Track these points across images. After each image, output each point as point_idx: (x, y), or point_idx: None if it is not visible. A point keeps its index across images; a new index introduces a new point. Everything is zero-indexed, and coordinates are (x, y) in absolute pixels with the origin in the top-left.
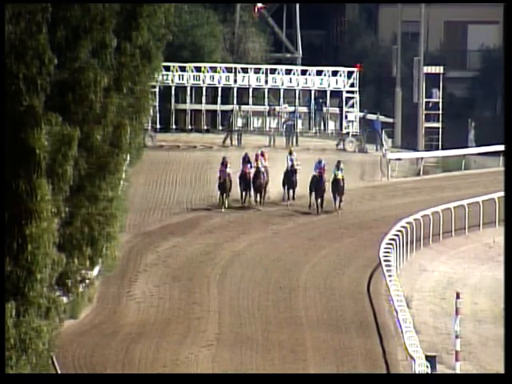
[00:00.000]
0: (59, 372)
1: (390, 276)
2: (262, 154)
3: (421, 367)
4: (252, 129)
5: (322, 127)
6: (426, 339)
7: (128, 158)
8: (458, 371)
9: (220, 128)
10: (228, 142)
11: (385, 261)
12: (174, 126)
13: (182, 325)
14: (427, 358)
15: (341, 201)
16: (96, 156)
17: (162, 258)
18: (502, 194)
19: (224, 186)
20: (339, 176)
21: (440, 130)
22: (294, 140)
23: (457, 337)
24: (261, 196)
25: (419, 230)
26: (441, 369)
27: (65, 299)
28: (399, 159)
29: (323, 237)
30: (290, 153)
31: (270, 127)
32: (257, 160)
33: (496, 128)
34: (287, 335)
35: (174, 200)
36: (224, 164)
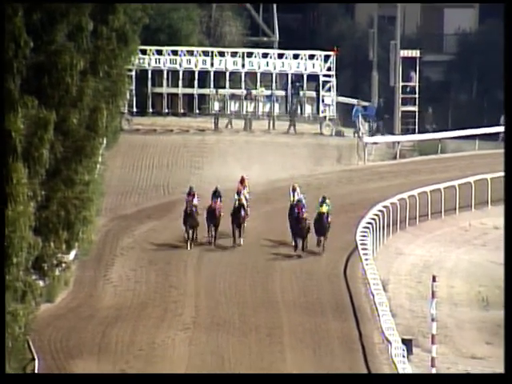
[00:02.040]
0: (35, 355)
1: (366, 259)
2: (242, 181)
3: (397, 350)
4: (229, 112)
5: (299, 111)
6: (403, 322)
7: (104, 141)
8: (434, 354)
9: (197, 112)
10: (219, 126)
11: (361, 244)
12: (150, 110)
13: (158, 308)
14: (403, 341)
15: (325, 239)
16: (72, 139)
17: (139, 242)
18: (478, 177)
19: (190, 220)
20: (323, 210)
21: (416, 113)
22: (271, 123)
23: (433, 320)
24: (239, 231)
25: (396, 214)
26: (417, 352)
27: (41, 283)
28: (376, 143)
29: None
30: (294, 189)
31: (246, 111)
32: (239, 193)
33: (472, 111)
34: (264, 318)
35: (150, 183)
36: (191, 194)
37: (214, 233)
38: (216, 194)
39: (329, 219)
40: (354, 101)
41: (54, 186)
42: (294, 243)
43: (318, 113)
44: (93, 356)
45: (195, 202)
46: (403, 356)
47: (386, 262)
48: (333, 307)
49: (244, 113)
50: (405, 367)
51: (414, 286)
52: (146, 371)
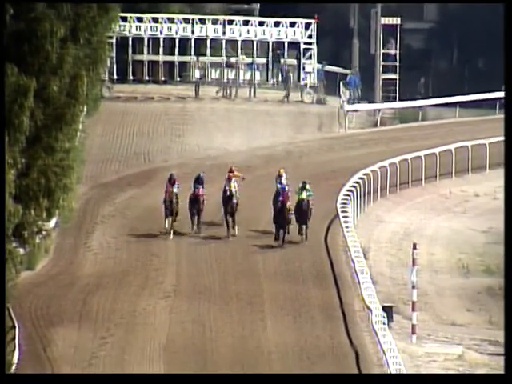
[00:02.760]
0: (15, 323)
1: (347, 227)
2: (231, 171)
3: (377, 317)
4: (210, 80)
5: (280, 79)
6: (383, 290)
7: (85, 108)
8: (414, 321)
9: (178, 79)
10: (220, 93)
11: (342, 212)
12: (131, 77)
13: (139, 276)
14: (384, 308)
15: (306, 227)
16: (53, 107)
17: (120, 210)
18: (458, 144)
19: (170, 209)
20: (303, 196)
21: (397, 81)
22: (252, 91)
23: (413, 287)
24: (233, 220)
25: (376, 182)
26: (397, 319)
27: (21, 250)
28: (356, 111)
29: None
30: (280, 175)
31: (227, 78)
32: (229, 179)
33: (452, 79)
34: (245, 286)
35: (131, 151)
36: (171, 181)
37: (197, 220)
38: (199, 181)
39: (310, 206)
40: (347, 70)
41: (34, 154)
42: (275, 233)
43: (299, 80)
44: (73, 324)
45: (175, 190)
46: (384, 323)
47: (367, 229)
48: (313, 275)
49: (225, 80)
50: (385, 334)
51: (395, 254)
52: (126, 339)
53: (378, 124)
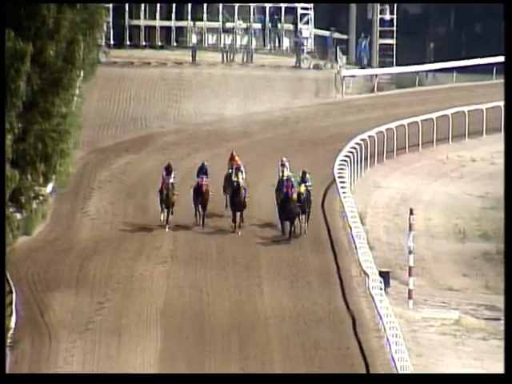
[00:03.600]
0: (13, 288)
1: (344, 193)
2: (233, 158)
3: (374, 283)
4: (207, 45)
5: (277, 44)
6: (380, 255)
7: (81, 73)
8: (411, 286)
9: (174, 44)
10: (225, 60)
11: (339, 177)
12: (127, 42)
13: (136, 241)
14: (381, 273)
15: (306, 220)
16: (49, 72)
17: (116, 175)
18: (455, 110)
19: (166, 200)
20: (302, 190)
21: (394, 46)
22: (249, 57)
23: (410, 252)
24: (241, 216)
25: (373, 147)
26: (394, 284)
27: (18, 215)
28: (353, 76)
29: (278, 153)
30: (283, 164)
31: (224, 44)
32: (237, 169)
33: (450, 44)
34: (241, 251)
35: (128, 117)
36: (168, 170)
37: (202, 214)
38: (202, 171)
39: (310, 197)
40: (344, 36)
41: (30, 119)
42: (281, 226)
43: (296, 45)
44: (70, 289)
45: (171, 180)
46: (380, 288)
47: (364, 195)
48: (310, 240)
49: (222, 46)
50: (382, 299)
51: (392, 219)
52: (123, 304)
53: (375, 89)
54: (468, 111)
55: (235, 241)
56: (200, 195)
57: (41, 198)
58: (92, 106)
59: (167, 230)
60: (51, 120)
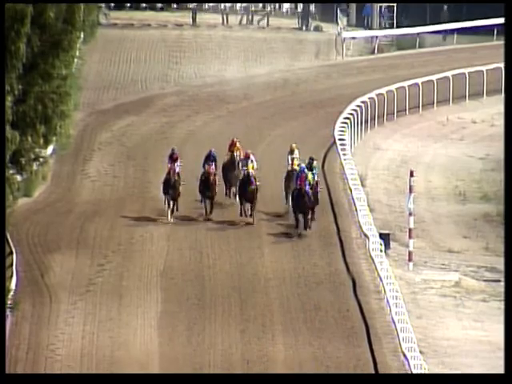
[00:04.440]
0: (13, 249)
1: (344, 155)
2: (234, 144)
3: (374, 245)
4: (207, 7)
5: (277, 5)
6: (380, 217)
7: (82, 35)
8: (411, 248)
9: (175, 6)
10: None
11: (339, 140)
12: (128, 4)
13: (136, 203)
14: (381, 235)
15: (312, 213)
16: (49, 33)
17: (117, 137)
18: (456, 71)
19: (172, 191)
20: (309, 177)
21: (395, 8)
22: (250, 19)
23: (410, 214)
24: (251, 207)
25: (374, 109)
26: (394, 246)
27: (18, 177)
28: (354, 38)
29: (278, 116)
30: (292, 151)
31: (224, 5)
32: (247, 158)
33: (450, 5)
34: (242, 210)
35: (128, 78)
36: (173, 158)
37: (209, 205)
38: (210, 158)
39: (318, 189)
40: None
41: (31, 80)
42: (295, 220)
43: (296, 7)
44: (71, 250)
45: (177, 168)
46: (381, 250)
47: (364, 157)
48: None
49: (222, 7)
50: (382, 261)
51: (392, 181)
52: (123, 266)
53: (376, 51)
54: (468, 73)
55: (236, 202)
56: (207, 185)
57: (41, 159)
58: (92, 67)
59: (169, 219)
60: (51, 82)
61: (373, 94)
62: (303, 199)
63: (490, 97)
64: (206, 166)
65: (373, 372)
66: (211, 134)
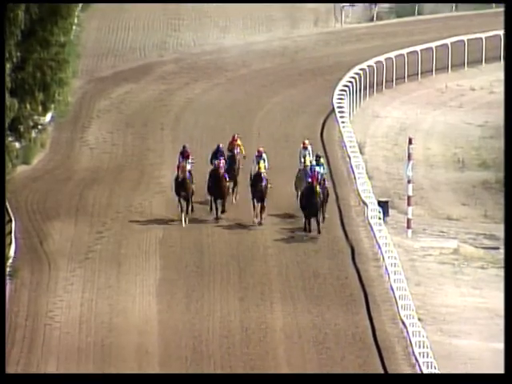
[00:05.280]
0: (12, 217)
1: (343, 122)
2: (235, 140)
3: (373, 212)
4: None
5: None
6: (379, 185)
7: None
8: (409, 216)
9: None
10: None
11: (338, 107)
12: None
13: (135, 171)
14: (379, 203)
15: (322, 213)
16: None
17: (116, 104)
18: (454, 39)
19: (183, 188)
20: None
21: None
22: None
23: (409, 182)
24: (262, 207)
25: (372, 76)
26: (393, 214)
27: (17, 145)
28: (353, 5)
29: (277, 83)
30: (305, 147)
31: None
32: (258, 156)
33: None
34: (241, 175)
35: (127, 46)
36: (184, 155)
37: (220, 204)
38: (218, 153)
39: (325, 186)
40: None
41: (29, 47)
42: (304, 222)
43: None
44: (70, 218)
45: (189, 166)
46: (379, 218)
47: (363, 124)
48: None
49: None
50: (381, 229)
51: (391, 148)
52: (122, 233)
53: (375, 18)
54: (467, 40)
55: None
56: (216, 182)
57: (40, 127)
58: (91, 35)
59: (184, 224)
60: (50, 49)
61: (372, 62)
62: (315, 198)
63: (488, 64)
64: (216, 162)
65: (371, 339)
66: (210, 102)
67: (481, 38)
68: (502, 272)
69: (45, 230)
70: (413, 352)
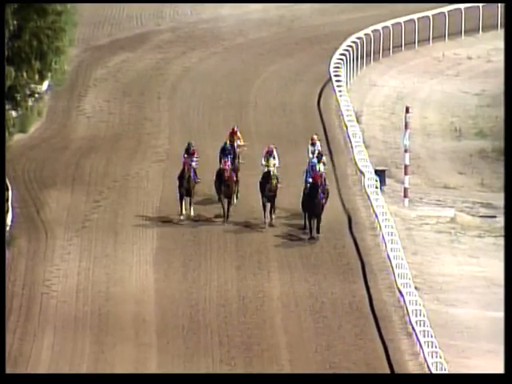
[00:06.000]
0: (9, 186)
1: (340, 91)
2: (234, 132)
3: (370, 181)
4: None
5: None
6: (376, 154)
7: None
8: (406, 185)
9: None
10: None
11: (335, 76)
12: None
13: (132, 140)
14: (376, 172)
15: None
16: None
17: (112, 73)
18: (451, 7)
19: (187, 188)
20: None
21: None
22: None
23: (406, 151)
24: (271, 206)
25: (369, 45)
26: (390, 183)
27: (14, 113)
28: None
29: (274, 52)
30: (313, 143)
31: None
32: (269, 154)
33: None
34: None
35: (123, 14)
36: (189, 152)
37: (226, 206)
38: (225, 152)
39: (326, 185)
40: None
41: (26, 16)
42: (305, 222)
43: None
44: (67, 187)
45: (194, 163)
46: (376, 187)
47: (360, 93)
48: (306, 139)
49: None
50: (378, 198)
51: (388, 117)
52: (119, 202)
53: None
54: (464, 8)
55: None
56: (224, 182)
57: (36, 95)
58: (87, 3)
59: (181, 217)
60: (46, 17)
61: (368, 30)
62: (315, 198)
63: (485, 32)
64: (223, 161)
65: (368, 308)
66: (207, 71)
67: (478, 7)
68: (498, 241)
69: (41, 199)
70: (409, 321)
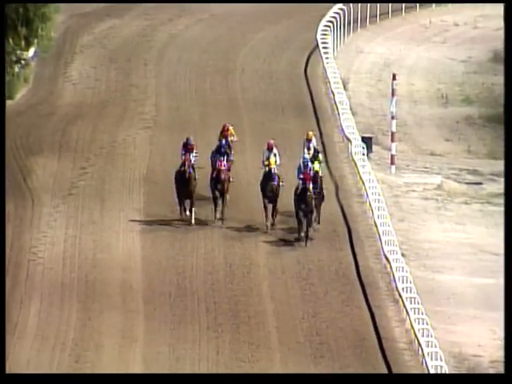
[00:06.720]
0: None
1: (327, 58)
2: (227, 129)
3: (357, 148)
4: None
5: None
6: (363, 121)
7: None
8: (393, 152)
9: None
10: None
11: (322, 43)
12: None
13: (119, 107)
14: (363, 139)
15: (317, 211)
16: None
17: (99, 40)
18: None
19: (186, 187)
20: (315, 168)
21: None
22: None
23: (393, 118)
24: (274, 208)
25: (356, 12)
26: (376, 150)
27: None
28: None
29: (261, 19)
30: (309, 139)
31: None
32: (270, 149)
33: None
34: (224, 117)
35: None
36: (187, 148)
37: (221, 206)
38: (221, 151)
39: (322, 187)
40: None
41: None
42: (298, 222)
43: None
44: (53, 154)
45: (193, 159)
46: (363, 154)
47: (347, 60)
48: (293, 106)
49: None
50: (364, 165)
51: (374, 84)
52: (105, 169)
53: None
54: None
55: (219, 107)
56: (219, 182)
57: (23, 62)
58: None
59: (191, 224)
60: None
61: None
62: (306, 199)
63: None
64: (218, 160)
65: (355, 275)
66: (194, 38)
67: None
68: (485, 207)
69: (28, 166)
70: (396, 287)
